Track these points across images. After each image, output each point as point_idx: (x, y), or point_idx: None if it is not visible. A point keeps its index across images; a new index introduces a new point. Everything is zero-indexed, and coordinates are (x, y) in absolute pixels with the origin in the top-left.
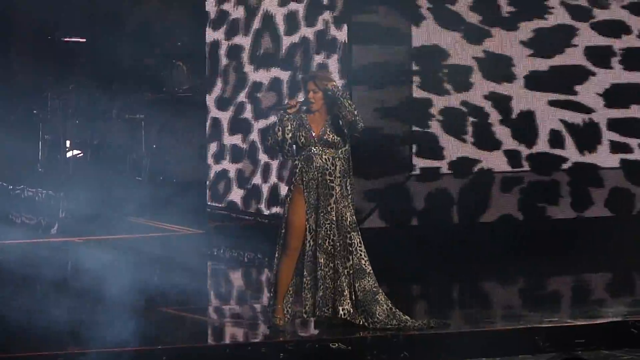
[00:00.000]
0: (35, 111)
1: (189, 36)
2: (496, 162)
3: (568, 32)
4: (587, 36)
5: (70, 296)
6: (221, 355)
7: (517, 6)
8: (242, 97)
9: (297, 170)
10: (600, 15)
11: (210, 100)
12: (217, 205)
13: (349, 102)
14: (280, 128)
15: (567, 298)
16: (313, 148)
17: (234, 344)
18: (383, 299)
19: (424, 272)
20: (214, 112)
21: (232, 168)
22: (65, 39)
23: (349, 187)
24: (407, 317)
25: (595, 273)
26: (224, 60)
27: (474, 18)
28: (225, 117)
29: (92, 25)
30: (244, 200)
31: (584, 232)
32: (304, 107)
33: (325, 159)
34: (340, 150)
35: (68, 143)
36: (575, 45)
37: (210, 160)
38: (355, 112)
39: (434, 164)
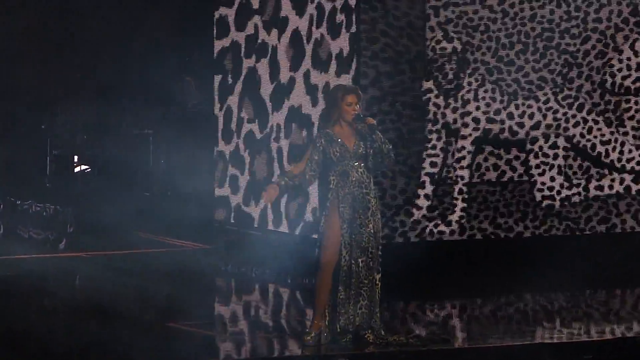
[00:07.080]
0: (43, 126)
1: (198, 51)
2: None
3: None
4: None
5: (78, 312)
6: None
7: None
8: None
9: (333, 186)
10: None
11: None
12: (225, 220)
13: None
14: (317, 154)
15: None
16: (349, 162)
17: None
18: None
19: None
20: (222, 126)
21: (241, 184)
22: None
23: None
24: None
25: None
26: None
27: None
28: (234, 130)
29: (101, 41)
30: (253, 215)
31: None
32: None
33: (361, 172)
34: (369, 162)
35: (76, 158)
36: None
37: (218, 176)
38: (389, 145)
39: None
